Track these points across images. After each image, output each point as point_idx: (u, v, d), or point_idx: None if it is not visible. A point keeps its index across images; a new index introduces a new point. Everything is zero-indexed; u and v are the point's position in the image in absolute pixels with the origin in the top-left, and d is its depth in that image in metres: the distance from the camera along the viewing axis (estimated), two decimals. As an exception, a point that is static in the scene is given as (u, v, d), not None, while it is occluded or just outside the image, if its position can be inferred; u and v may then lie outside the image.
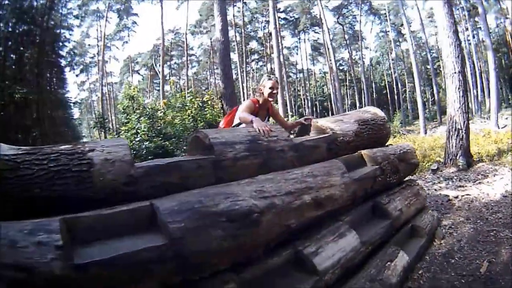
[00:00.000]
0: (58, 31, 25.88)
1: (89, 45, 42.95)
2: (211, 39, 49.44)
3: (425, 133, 24.48)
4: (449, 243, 4.30)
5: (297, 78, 58.76)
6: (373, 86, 49.64)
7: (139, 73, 57.41)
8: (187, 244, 1.87)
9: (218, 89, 14.52)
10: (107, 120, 24.23)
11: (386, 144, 4.82)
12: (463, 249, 4.11)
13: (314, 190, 2.71)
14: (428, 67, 43.47)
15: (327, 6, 42.73)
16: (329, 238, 2.76)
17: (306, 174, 2.79)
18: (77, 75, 46.47)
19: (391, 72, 55.45)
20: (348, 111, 42.80)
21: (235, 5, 44.25)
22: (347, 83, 54.67)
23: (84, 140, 34.35)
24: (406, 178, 4.83)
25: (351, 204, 3.27)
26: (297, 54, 56.63)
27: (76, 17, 34.62)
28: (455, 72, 8.64)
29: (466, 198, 6.36)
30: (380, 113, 4.64)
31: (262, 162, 2.80)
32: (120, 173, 2.07)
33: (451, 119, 8.80)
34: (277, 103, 19.33)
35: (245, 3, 40.53)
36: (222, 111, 12.63)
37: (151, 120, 11.19)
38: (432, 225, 4.35)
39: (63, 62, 28.39)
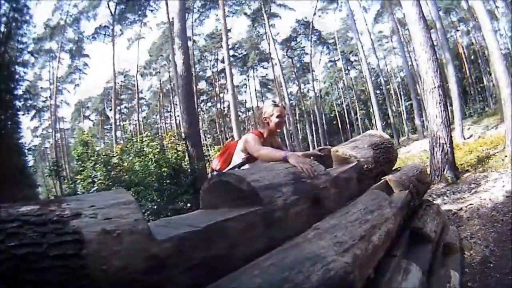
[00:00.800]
0: (13, 68, 24.77)
1: (41, 87, 41.55)
2: (160, 80, 50.03)
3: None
4: (479, 251, 4.37)
5: (246, 116, 58.89)
6: (323, 117, 50.58)
7: (89, 119, 56.29)
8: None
9: (182, 130, 14.23)
10: (61, 168, 23.01)
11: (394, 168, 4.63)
12: (495, 252, 4.22)
13: (377, 228, 2.23)
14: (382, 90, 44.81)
15: (276, 40, 43.42)
16: (398, 277, 2.37)
17: (364, 211, 2.31)
18: (30, 119, 44.83)
19: (341, 101, 57.00)
20: (301, 145, 44.37)
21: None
22: (297, 117, 55.25)
23: (40, 189, 32.03)
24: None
25: (396, 236, 2.99)
26: (245, 92, 56.97)
27: (31, 53, 33.31)
28: (434, 87, 8.71)
29: (470, 208, 6.33)
30: (385, 135, 4.41)
31: (309, 206, 2.19)
32: (135, 253, 1.24)
33: (434, 135, 8.85)
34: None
35: (194, 41, 40.75)
36: (187, 153, 12.23)
37: (106, 167, 10.60)
38: (458, 239, 4.28)
39: (17, 104, 27.29)
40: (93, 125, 54.12)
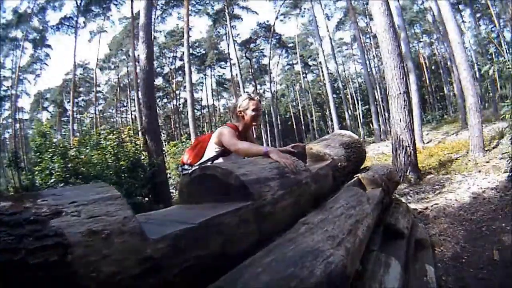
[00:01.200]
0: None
1: (4, 76, 39.60)
2: (118, 75, 49.39)
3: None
4: (449, 248, 4.53)
5: (201, 114, 58.80)
6: (278, 118, 51.09)
7: (48, 110, 54.74)
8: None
9: (141, 124, 13.96)
10: (19, 159, 22.27)
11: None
12: (466, 248, 4.40)
13: (360, 223, 2.22)
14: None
15: (235, 41, 43.56)
16: (380, 270, 2.40)
17: (347, 207, 2.32)
18: None
19: (297, 103, 57.70)
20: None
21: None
22: (253, 116, 55.53)
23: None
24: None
25: (373, 232, 3.04)
26: (201, 90, 57.00)
27: None
28: (400, 93, 8.97)
29: (436, 207, 6.50)
30: (354, 135, 4.45)
31: (294, 202, 2.13)
32: (127, 256, 1.07)
33: (397, 138, 9.11)
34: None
35: (154, 37, 40.48)
36: (145, 146, 12.03)
37: (64, 159, 10.27)
38: (428, 236, 4.37)
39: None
40: (51, 116, 52.77)
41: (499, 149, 10.63)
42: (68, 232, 0.95)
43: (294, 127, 55.50)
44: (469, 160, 10.39)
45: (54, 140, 12.18)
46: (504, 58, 8.03)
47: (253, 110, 3.33)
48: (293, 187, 2.19)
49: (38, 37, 39.11)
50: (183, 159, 3.56)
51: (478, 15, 42.10)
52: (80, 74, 49.50)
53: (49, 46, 42.64)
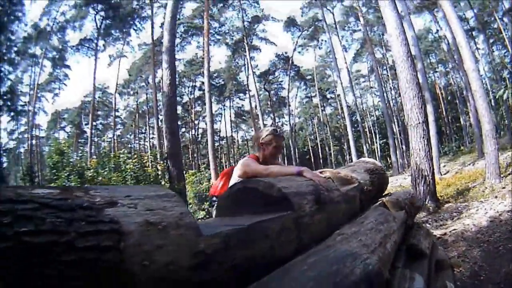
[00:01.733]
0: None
1: (21, 91, 40.50)
2: (137, 101, 50.24)
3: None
4: (467, 268, 4.72)
5: (219, 145, 58.70)
6: (297, 151, 50.87)
7: (65, 130, 55.80)
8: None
9: (163, 149, 14.00)
10: (35, 174, 22.32)
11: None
12: (484, 267, 4.62)
13: (388, 237, 2.36)
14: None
15: (254, 72, 44.23)
16: (406, 284, 2.53)
17: (376, 223, 2.47)
18: (7, 122, 43.28)
19: (315, 136, 57.49)
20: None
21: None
22: (271, 150, 55.48)
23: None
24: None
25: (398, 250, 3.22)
26: (220, 121, 57.50)
27: (17, 53, 32.97)
28: (419, 123, 9.13)
29: (454, 232, 6.61)
30: (377, 162, 4.68)
31: (327, 217, 2.30)
32: (181, 248, 1.13)
33: (416, 167, 9.27)
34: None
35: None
36: (167, 171, 12.11)
37: (81, 179, 10.31)
38: (448, 257, 4.50)
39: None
40: (68, 136, 53.04)
41: (515, 174, 10.61)
42: (123, 221, 1.00)
43: (312, 160, 55.48)
44: (486, 187, 10.45)
45: (71, 159, 12.36)
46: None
47: (274, 147, 3.40)
48: (327, 204, 2.36)
49: (57, 56, 39.86)
50: (212, 191, 3.67)
51: (491, 40, 42.03)
52: (99, 97, 50.45)
53: (68, 66, 43.57)
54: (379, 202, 3.77)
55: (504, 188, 9.62)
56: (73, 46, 38.83)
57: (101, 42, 38.25)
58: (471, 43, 44.32)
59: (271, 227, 1.66)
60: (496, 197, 8.77)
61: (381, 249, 2.02)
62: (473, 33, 44.65)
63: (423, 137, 9.17)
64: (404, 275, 2.74)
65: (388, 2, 10.22)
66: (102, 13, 35.89)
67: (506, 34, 38.98)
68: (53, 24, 35.63)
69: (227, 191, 2.21)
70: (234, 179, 3.21)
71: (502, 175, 11.19)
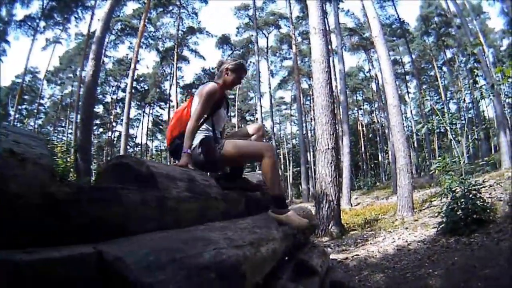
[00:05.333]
0: None
1: None
2: (62, 92, 48.32)
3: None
4: None
5: (133, 152, 57.25)
6: None
7: None
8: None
9: (74, 141, 13.51)
10: None
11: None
12: None
13: (265, 241, 2.26)
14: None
15: (178, 83, 44.19)
16: None
17: (253, 225, 2.40)
18: None
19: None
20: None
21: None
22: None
23: None
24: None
25: (281, 261, 3.03)
26: (137, 127, 56.41)
27: None
28: (328, 148, 9.35)
29: (357, 257, 6.64)
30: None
31: (199, 208, 2.24)
32: (33, 185, 1.14)
33: (321, 191, 9.44)
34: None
35: (103, 61, 39.76)
36: (75, 165, 11.70)
37: None
38: (346, 280, 4.42)
39: None
40: None
41: (430, 210, 11.05)
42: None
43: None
44: (396, 219, 10.76)
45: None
46: (438, 116, 8.52)
47: (237, 77, 3.39)
48: (200, 195, 2.29)
49: (1, 28, 37.34)
50: (170, 135, 3.36)
51: (424, 86, 44.70)
52: (29, 81, 47.62)
53: (8, 42, 40.62)
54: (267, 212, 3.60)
55: (416, 221, 9.91)
56: (17, 21, 36.09)
57: (42, 24, 36.13)
58: (402, 86, 47.18)
59: (129, 195, 1.63)
60: (406, 228, 9.01)
61: (252, 250, 1.93)
62: (407, 77, 47.53)
63: (331, 163, 9.39)
64: (286, 287, 2.68)
65: (318, 29, 10.45)
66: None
67: (442, 82, 41.80)
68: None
69: (104, 166, 2.17)
70: (194, 108, 3.17)
71: (415, 209, 11.55)
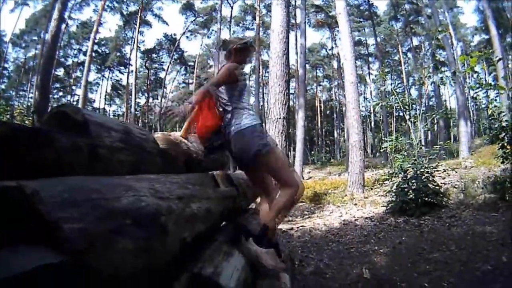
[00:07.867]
0: None
1: None
2: (26, 55, 47.21)
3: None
4: (311, 264, 4.60)
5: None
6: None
7: None
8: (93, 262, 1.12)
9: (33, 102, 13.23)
10: None
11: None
12: (331, 266, 4.55)
13: (197, 199, 2.29)
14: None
15: (139, 47, 43.88)
16: (219, 257, 2.46)
17: (186, 181, 2.38)
18: None
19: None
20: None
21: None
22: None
23: None
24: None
25: (218, 223, 3.09)
26: (96, 91, 55.78)
27: None
28: (279, 118, 9.23)
29: (301, 229, 6.70)
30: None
31: (134, 161, 2.22)
32: None
33: (270, 163, 9.32)
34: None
35: (67, 24, 38.40)
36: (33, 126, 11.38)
37: None
38: (288, 249, 4.47)
39: None
40: None
41: (381, 189, 11.30)
42: None
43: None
44: (346, 195, 10.96)
45: None
46: (394, 96, 8.64)
47: (247, 57, 3.41)
48: (135, 148, 2.28)
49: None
50: (203, 131, 3.34)
51: (387, 70, 45.21)
52: None
53: None
54: (208, 174, 3.54)
55: (366, 198, 10.18)
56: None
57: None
58: (364, 67, 47.56)
59: (61, 139, 1.61)
60: (355, 204, 9.20)
61: (180, 204, 1.96)
62: (370, 59, 47.96)
63: (282, 133, 9.31)
64: (220, 249, 2.67)
65: (280, 1, 10.26)
66: None
67: (405, 68, 42.37)
68: None
69: (47, 115, 2.04)
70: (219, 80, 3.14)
71: (366, 188, 11.78)
